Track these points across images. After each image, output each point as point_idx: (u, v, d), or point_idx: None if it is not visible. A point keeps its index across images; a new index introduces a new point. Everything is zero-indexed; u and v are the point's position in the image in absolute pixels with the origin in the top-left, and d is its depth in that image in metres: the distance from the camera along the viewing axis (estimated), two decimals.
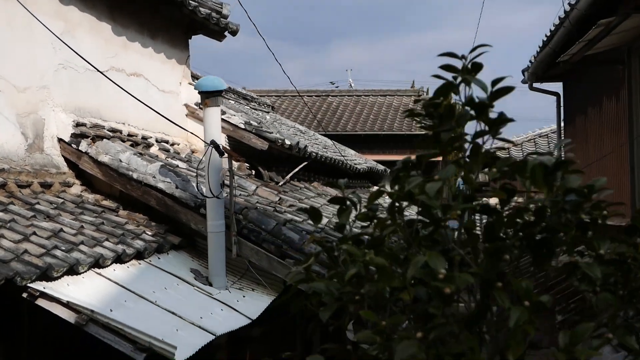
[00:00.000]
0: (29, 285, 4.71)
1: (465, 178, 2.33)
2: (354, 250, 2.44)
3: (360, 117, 24.53)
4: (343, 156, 14.01)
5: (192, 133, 7.46)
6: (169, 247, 6.62)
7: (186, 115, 9.58)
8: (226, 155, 6.45)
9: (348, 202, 2.64)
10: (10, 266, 4.62)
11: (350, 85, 32.77)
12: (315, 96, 26.87)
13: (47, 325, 5.35)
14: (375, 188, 12.70)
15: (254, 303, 6.33)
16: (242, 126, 9.46)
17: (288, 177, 10.19)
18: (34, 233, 5.27)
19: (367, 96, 26.72)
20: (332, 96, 26.95)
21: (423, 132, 2.58)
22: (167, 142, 8.67)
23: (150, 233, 6.54)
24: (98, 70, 6.24)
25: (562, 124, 12.67)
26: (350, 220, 2.77)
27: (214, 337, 5.34)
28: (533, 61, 11.25)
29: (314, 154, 10.90)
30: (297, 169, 10.41)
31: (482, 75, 2.28)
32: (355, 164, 14.32)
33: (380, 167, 16.75)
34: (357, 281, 2.51)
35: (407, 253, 2.36)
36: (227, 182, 6.44)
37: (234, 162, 7.24)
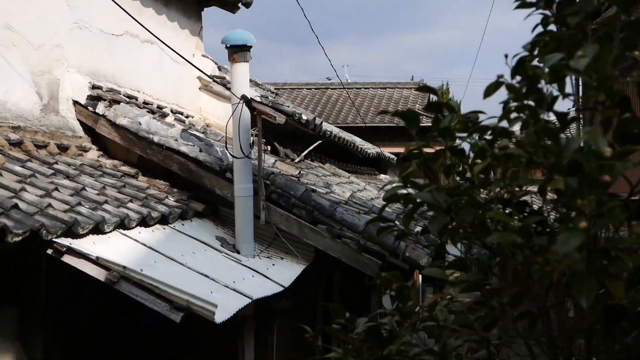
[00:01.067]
0: (54, 240, 4.34)
1: None
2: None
3: (360, 110, 24.17)
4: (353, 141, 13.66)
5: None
6: (192, 214, 6.25)
7: (199, 88, 9.21)
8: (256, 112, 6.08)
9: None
10: (35, 218, 4.23)
11: (347, 81, 32.41)
12: (315, 89, 26.48)
13: (68, 285, 4.98)
14: (382, 176, 12.30)
15: (284, 271, 5.98)
16: (258, 99, 9.07)
17: (304, 153, 9.83)
18: (56, 189, 4.91)
19: (367, 89, 26.36)
20: (332, 89, 26.55)
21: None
22: (181, 113, 8.30)
23: (172, 199, 6.18)
24: (142, 26, 5.86)
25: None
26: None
27: (250, 300, 4.98)
28: None
29: (328, 132, 10.54)
30: (312, 146, 10.05)
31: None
32: (365, 149, 14.00)
33: (388, 154, 16.42)
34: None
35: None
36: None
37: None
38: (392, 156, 16.47)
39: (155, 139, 6.38)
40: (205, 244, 5.83)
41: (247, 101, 5.64)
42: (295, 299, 6.57)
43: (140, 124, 6.45)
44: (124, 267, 4.33)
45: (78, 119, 6.58)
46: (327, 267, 7.37)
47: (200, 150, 6.33)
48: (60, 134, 6.14)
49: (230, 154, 5.87)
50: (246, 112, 5.75)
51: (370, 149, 14.66)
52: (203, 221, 6.35)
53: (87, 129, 6.64)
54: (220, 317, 4.36)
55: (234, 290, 5.00)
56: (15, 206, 4.12)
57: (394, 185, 2.30)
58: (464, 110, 2.16)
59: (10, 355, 4.55)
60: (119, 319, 5.46)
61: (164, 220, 5.71)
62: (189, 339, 6.26)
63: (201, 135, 7.16)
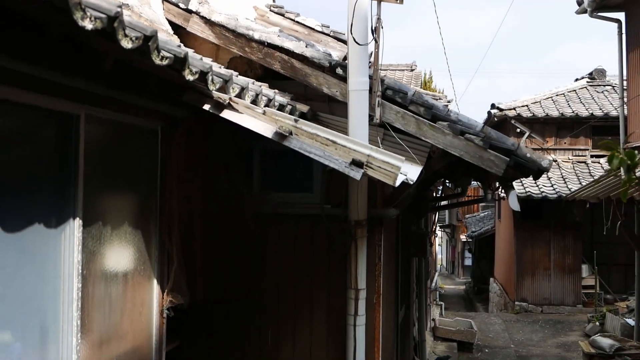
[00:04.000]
0: (215, 92, 3.89)
1: None
2: None
3: None
4: None
5: None
6: (298, 115, 5.81)
7: (255, 18, 8.74)
8: None
9: None
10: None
11: None
12: None
13: None
14: None
15: (406, 169, 5.57)
16: (319, 29, 8.66)
17: None
18: None
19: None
20: None
21: None
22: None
23: (280, 96, 5.72)
24: None
25: (624, 52, 12.23)
26: None
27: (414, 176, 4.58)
28: None
29: None
30: None
31: None
32: None
33: None
34: None
35: None
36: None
37: None
38: None
39: (256, 35, 5.93)
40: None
41: None
42: (404, 207, 6.19)
43: (237, 20, 5.99)
44: (295, 120, 3.88)
45: (167, 18, 6.10)
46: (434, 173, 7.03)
47: (306, 46, 5.89)
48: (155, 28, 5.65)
49: (354, 40, 5.44)
50: None
51: None
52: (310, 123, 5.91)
53: (175, 29, 6.16)
54: (399, 179, 3.96)
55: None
56: None
57: None
58: None
59: None
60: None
61: (281, 109, 5.27)
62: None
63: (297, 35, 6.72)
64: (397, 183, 4.00)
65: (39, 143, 3.67)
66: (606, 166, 19.37)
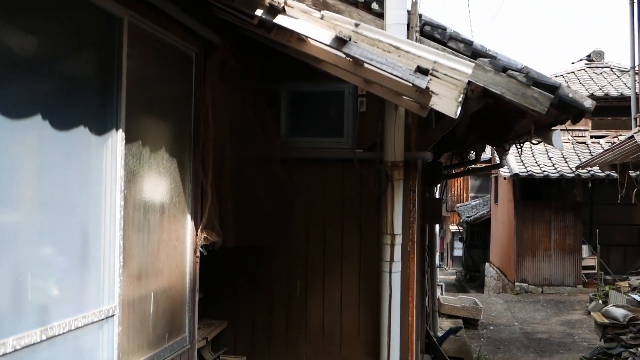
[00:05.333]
0: None
1: None
2: None
3: None
4: None
5: None
6: None
7: None
8: None
9: None
10: None
11: None
12: None
13: None
14: None
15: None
16: None
17: None
18: None
19: None
20: None
21: None
22: None
23: None
24: None
25: (637, 21, 12.10)
26: None
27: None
28: None
29: None
30: None
31: None
32: None
33: None
34: None
35: None
36: None
37: None
38: None
39: None
40: None
41: None
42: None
43: None
44: (356, 25, 3.62)
45: None
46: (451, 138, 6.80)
47: None
48: None
49: None
50: None
51: None
52: None
53: None
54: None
55: None
56: None
57: None
58: None
59: None
60: None
61: None
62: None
63: None
64: (460, 98, 3.75)
65: (84, 43, 3.39)
66: (606, 146, 19.28)
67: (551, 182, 18.17)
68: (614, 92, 20.16)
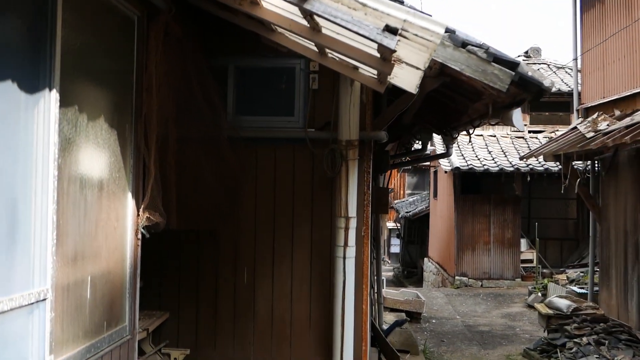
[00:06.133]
0: None
1: None
2: None
3: None
4: None
5: None
6: None
7: None
8: None
9: None
10: None
11: None
12: None
13: None
14: None
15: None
16: None
17: None
18: None
19: None
20: None
21: None
22: None
23: None
24: None
25: (579, 12, 12.15)
26: None
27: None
28: None
29: None
30: None
31: None
32: None
33: None
34: None
35: None
36: None
37: None
38: None
39: None
40: None
41: None
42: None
43: None
44: None
45: None
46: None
47: None
48: None
49: None
50: None
51: None
52: None
53: None
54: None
55: None
56: None
57: None
58: None
59: None
60: None
61: None
62: None
63: None
64: (427, 63, 3.48)
65: None
66: (545, 141, 19.50)
67: (491, 176, 18.25)
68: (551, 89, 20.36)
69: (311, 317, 5.62)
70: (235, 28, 4.84)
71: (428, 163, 22.02)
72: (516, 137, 20.19)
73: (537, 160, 16.61)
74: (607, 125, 9.44)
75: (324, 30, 4.06)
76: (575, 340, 10.02)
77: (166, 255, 5.72)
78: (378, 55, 3.97)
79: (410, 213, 27.45)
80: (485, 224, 18.81)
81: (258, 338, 5.65)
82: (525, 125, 20.08)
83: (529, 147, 19.20)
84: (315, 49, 4.74)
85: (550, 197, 20.29)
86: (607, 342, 9.50)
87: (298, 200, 5.64)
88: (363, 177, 5.52)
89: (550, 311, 11.00)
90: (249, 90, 5.74)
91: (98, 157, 3.83)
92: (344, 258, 5.32)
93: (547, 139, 19.78)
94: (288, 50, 5.55)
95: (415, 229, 29.47)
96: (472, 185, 19.13)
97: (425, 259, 24.56)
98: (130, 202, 4.30)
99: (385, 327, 11.93)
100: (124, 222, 4.25)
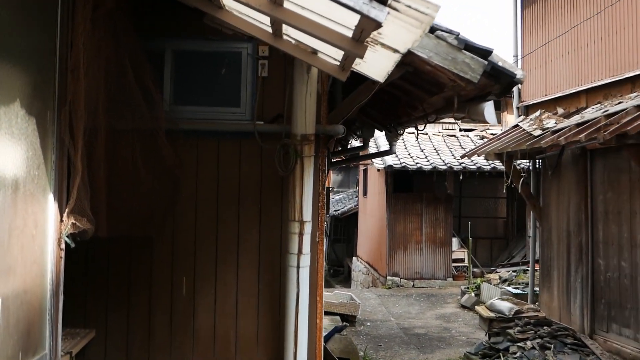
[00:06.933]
0: None
1: None
2: None
3: None
4: None
5: None
6: None
7: None
8: None
9: None
10: None
11: None
12: None
13: None
14: None
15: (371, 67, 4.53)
16: None
17: None
18: None
19: None
20: None
21: None
22: None
23: None
24: None
25: (519, 8, 11.91)
26: None
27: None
28: None
29: None
30: None
31: None
32: None
33: None
34: None
35: None
36: None
37: None
38: None
39: None
40: None
41: None
42: None
43: None
44: None
45: None
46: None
47: None
48: None
49: None
50: None
51: None
52: None
53: None
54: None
55: None
56: None
57: None
58: None
59: None
60: None
61: None
62: None
63: None
64: (415, 43, 2.92)
65: None
66: (477, 140, 19.39)
67: (423, 174, 17.99)
68: None
69: (259, 334, 5.00)
70: (174, 4, 4.20)
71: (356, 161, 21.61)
72: (448, 135, 20.04)
73: (470, 159, 16.40)
74: (555, 123, 9.17)
75: (286, 4, 3.46)
76: (519, 344, 9.73)
77: (92, 263, 5.00)
78: (349, 35, 3.39)
79: (339, 212, 27.06)
80: (418, 223, 18.54)
81: (199, 358, 5.00)
82: (457, 123, 19.94)
83: (461, 145, 19.05)
84: (269, 29, 4.14)
85: (481, 196, 20.24)
86: (552, 346, 9.24)
87: (245, 202, 5.02)
88: (318, 176, 4.94)
89: (492, 314, 10.69)
90: (190, 78, 5.08)
91: (12, 150, 3.12)
92: (298, 267, 4.73)
93: (478, 137, 19.70)
94: (234, 32, 4.92)
95: (342, 227, 29.16)
96: (404, 183, 18.85)
97: (354, 258, 24.19)
98: (52, 205, 3.58)
99: (323, 333, 11.41)
100: (45, 229, 3.53)
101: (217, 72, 5.07)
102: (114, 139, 4.46)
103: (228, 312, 5.02)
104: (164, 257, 5.02)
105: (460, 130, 20.12)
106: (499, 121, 19.63)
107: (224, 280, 5.02)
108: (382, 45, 3.51)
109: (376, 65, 3.94)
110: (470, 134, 19.90)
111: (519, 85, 12.11)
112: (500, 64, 5.01)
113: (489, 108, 4.99)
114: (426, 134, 19.81)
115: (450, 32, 4.78)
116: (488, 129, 20.07)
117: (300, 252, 4.72)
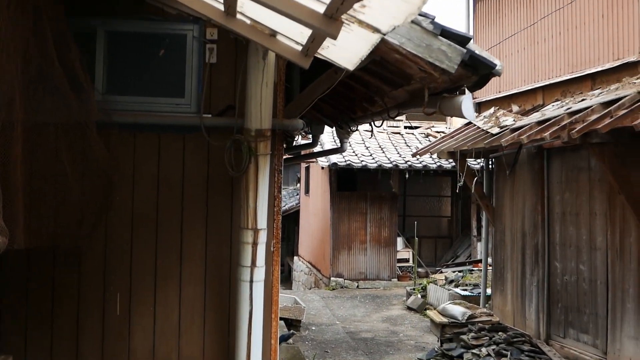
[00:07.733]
0: None
1: None
2: None
3: None
4: None
5: None
6: None
7: None
8: None
9: None
10: None
11: None
12: None
13: None
14: None
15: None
16: None
17: None
18: None
19: None
20: None
21: None
22: None
23: None
24: None
25: (472, 3, 11.53)
26: None
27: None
28: None
29: None
30: None
31: None
32: None
33: None
34: None
35: None
36: None
37: None
38: None
39: None
40: None
41: None
42: None
43: None
44: None
45: None
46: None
47: None
48: None
49: None
50: None
51: None
52: None
53: None
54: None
55: None
56: None
57: None
58: None
59: None
60: None
61: None
62: None
63: None
64: (407, 19, 2.38)
65: None
66: (422, 138, 19.06)
67: (368, 172, 17.56)
68: None
69: (205, 357, 4.38)
70: None
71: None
72: (393, 132, 19.66)
73: (416, 157, 16.02)
74: (513, 120, 8.78)
75: None
76: (473, 351, 9.34)
77: (7, 278, 4.29)
78: (321, 10, 2.81)
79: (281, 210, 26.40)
80: (362, 222, 18.09)
81: None
82: (402, 121, 19.58)
83: (406, 143, 18.70)
84: (220, 6, 3.53)
85: (425, 195, 19.95)
86: (509, 353, 8.87)
87: (189, 207, 4.39)
88: (274, 178, 4.35)
89: (445, 319, 10.29)
90: (126, 64, 4.41)
91: None
92: (251, 282, 4.13)
93: (423, 135, 19.38)
94: (179, 12, 4.28)
95: (282, 226, 28.53)
96: (348, 181, 18.39)
97: (295, 258, 23.62)
98: None
99: None
100: None
101: (157, 57, 4.42)
102: (34, 134, 3.77)
103: (169, 332, 4.38)
104: (95, 270, 4.34)
105: (405, 127, 19.77)
106: (444, 119, 19.36)
107: (164, 297, 4.38)
108: (360, 23, 2.95)
109: (349, 49, 3.37)
110: (415, 131, 19.57)
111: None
112: (478, 52, 4.51)
113: (467, 102, 4.46)
114: (371, 131, 19.36)
115: (425, 15, 4.26)
116: (433, 126, 19.79)
117: (253, 264, 4.12)
